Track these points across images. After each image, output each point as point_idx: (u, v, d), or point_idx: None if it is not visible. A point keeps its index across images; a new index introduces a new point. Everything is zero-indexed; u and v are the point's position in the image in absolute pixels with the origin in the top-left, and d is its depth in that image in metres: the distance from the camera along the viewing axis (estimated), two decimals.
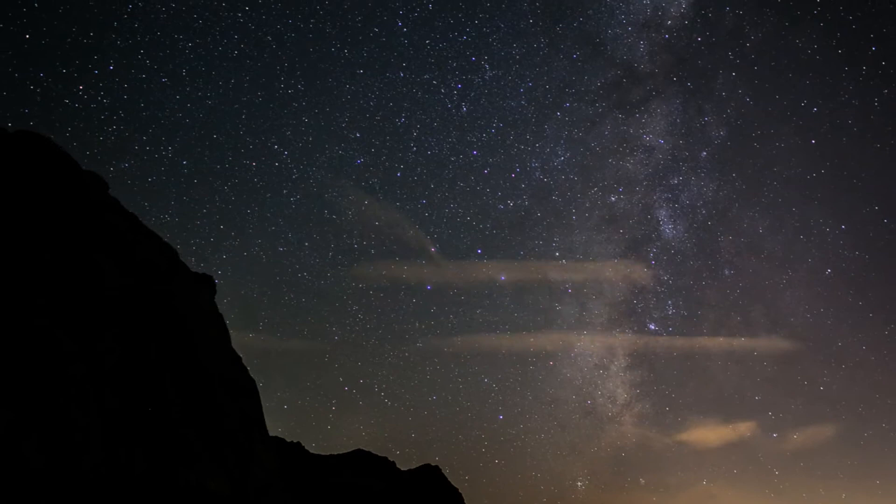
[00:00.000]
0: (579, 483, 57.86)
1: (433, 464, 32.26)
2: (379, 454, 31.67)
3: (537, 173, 59.66)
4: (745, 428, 62.16)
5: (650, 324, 61.12)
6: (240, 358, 19.87)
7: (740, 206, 60.84)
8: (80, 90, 44.36)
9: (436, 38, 55.53)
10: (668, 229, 60.44)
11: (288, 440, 29.02)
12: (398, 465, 31.77)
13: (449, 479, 32.06)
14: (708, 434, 63.43)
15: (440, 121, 57.91)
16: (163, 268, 17.55)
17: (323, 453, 30.58)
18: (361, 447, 31.92)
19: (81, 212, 15.75)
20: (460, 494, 32.05)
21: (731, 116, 58.99)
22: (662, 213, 60.45)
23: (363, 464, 30.23)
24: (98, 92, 45.93)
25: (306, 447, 29.64)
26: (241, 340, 51.26)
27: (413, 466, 32.23)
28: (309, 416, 53.26)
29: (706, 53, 58.56)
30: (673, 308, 61.32)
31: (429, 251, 58.84)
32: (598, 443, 60.39)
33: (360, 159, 57.25)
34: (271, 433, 20.15)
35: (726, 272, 61.11)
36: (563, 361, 60.32)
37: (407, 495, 29.43)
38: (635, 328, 61.00)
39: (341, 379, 55.29)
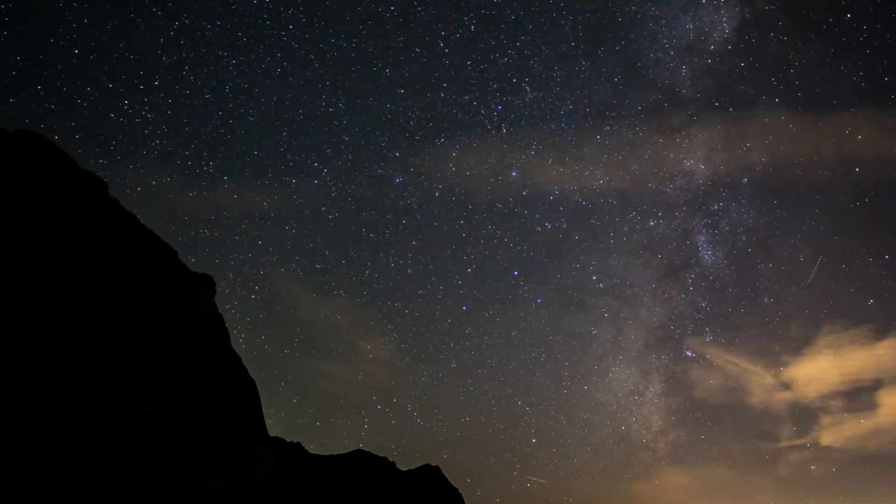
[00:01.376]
0: None
1: (457, 488, 32.00)
2: (379, 454, 31.67)
3: (576, 196, 59.07)
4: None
5: (687, 350, 60.18)
6: (239, 358, 19.84)
7: (781, 233, 59.71)
8: (126, 104, 44.73)
9: (477, 60, 55.39)
10: (706, 255, 59.26)
11: (288, 440, 28.99)
12: (398, 466, 31.76)
13: (449, 480, 32.06)
14: (742, 463, 61.62)
15: (480, 142, 57.34)
16: (162, 268, 17.52)
17: (323, 453, 30.57)
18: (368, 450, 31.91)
19: (81, 211, 15.72)
20: (460, 494, 32.03)
21: (774, 143, 57.82)
22: (701, 239, 59.39)
23: (363, 464, 30.20)
24: (143, 107, 46.34)
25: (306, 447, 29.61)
26: (277, 357, 51.22)
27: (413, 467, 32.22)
28: (341, 433, 53.14)
29: (749, 79, 57.65)
30: (711, 335, 60.32)
31: (465, 272, 58.20)
32: (631, 469, 59.38)
33: (398, 178, 57.06)
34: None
35: (766, 300, 60.07)
36: (598, 386, 59.53)
37: (407, 495, 29.41)
38: (672, 354, 60.03)
39: (374, 398, 55.07)
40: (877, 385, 59.98)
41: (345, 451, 31.31)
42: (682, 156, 58.75)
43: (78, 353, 13.07)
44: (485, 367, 59.25)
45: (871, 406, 60.90)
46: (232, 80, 50.81)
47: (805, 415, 62.90)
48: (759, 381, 62.64)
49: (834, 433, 61.83)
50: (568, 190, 58.50)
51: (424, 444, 54.69)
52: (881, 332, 60.00)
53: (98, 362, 13.51)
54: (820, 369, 61.33)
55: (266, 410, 19.82)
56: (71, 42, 42.20)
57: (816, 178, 58.77)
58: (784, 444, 62.93)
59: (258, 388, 19.68)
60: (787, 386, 62.64)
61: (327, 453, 30.76)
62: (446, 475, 32.22)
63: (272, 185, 53.93)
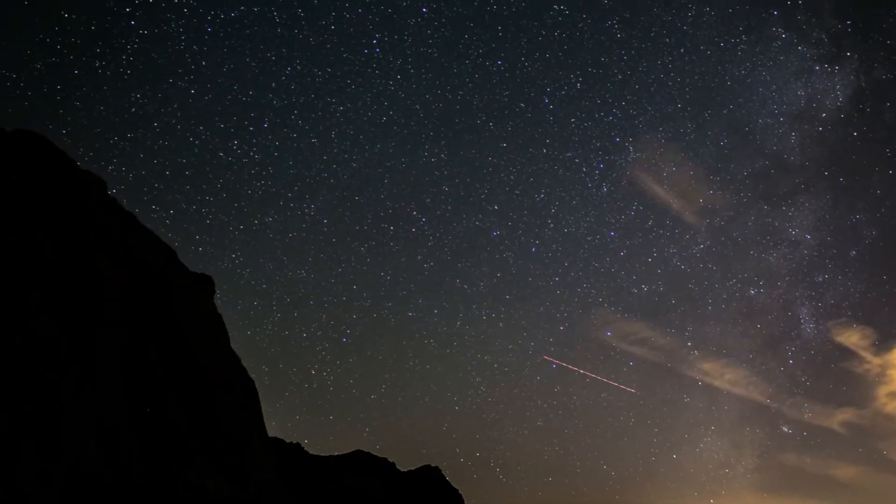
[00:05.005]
0: None
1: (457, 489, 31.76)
2: (379, 455, 31.56)
3: (675, 259, 57.85)
4: None
5: (783, 426, 57.79)
6: (239, 359, 19.75)
7: (890, 309, 57.54)
8: (235, 145, 45.62)
9: (581, 117, 55.03)
10: (808, 328, 57.09)
11: (287, 441, 28.89)
12: (398, 467, 31.65)
13: (449, 480, 31.95)
14: None
15: (579, 199, 56.96)
16: (161, 268, 17.44)
17: (322, 454, 30.45)
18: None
19: (79, 211, 15.64)
20: (460, 495, 31.90)
21: (885, 216, 56.20)
22: (804, 311, 57.27)
23: (363, 465, 30.09)
24: (251, 147, 47.98)
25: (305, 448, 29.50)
26: (364, 401, 51.33)
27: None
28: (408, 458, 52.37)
29: (862, 149, 56.13)
30: (809, 412, 57.65)
31: (557, 329, 57.37)
32: None
33: (496, 231, 56.83)
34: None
35: None
36: (688, 456, 57.63)
37: (407, 496, 29.31)
38: (767, 429, 57.85)
39: (457, 450, 54.18)
40: None
41: (345, 452, 31.24)
42: (787, 224, 57.38)
43: (76, 354, 12.98)
44: (572, 428, 58.05)
45: None
46: (338, 126, 51.42)
47: None
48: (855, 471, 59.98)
49: None
50: (667, 253, 57.46)
51: (506, 501, 53.93)
52: None
53: (96, 363, 13.42)
54: None
55: (266, 411, 19.72)
56: (189, 83, 44.03)
57: None
58: None
59: (258, 389, 19.58)
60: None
61: (326, 454, 30.69)
62: (446, 475, 32.14)
63: (370, 231, 54.21)
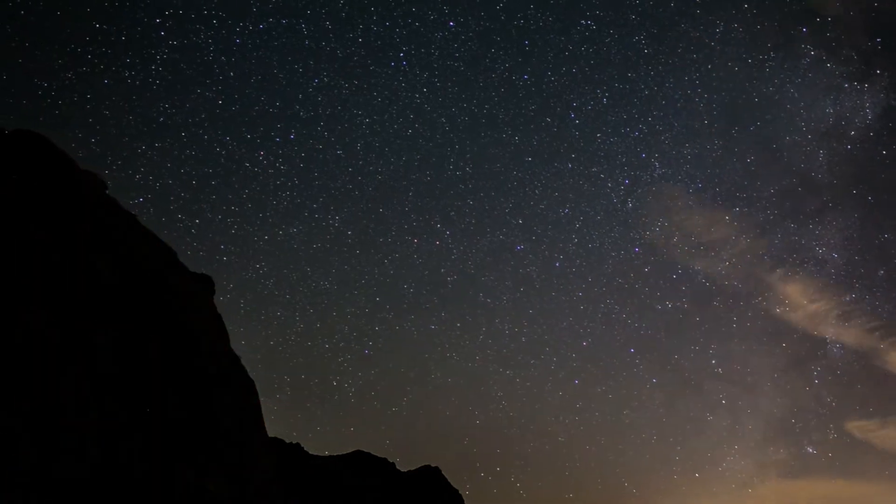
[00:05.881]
0: None
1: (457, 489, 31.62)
2: (379, 455, 31.52)
3: (700, 276, 57.74)
4: None
5: (808, 446, 56.68)
6: (238, 358, 19.71)
7: None
8: (261, 156, 46.20)
9: (607, 132, 55.22)
10: (835, 348, 56.30)
11: (287, 441, 28.86)
12: (398, 467, 31.61)
13: (449, 481, 31.91)
14: None
15: (604, 215, 57.18)
16: (161, 267, 17.39)
17: (321, 454, 30.42)
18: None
19: (78, 211, 15.59)
20: (461, 496, 31.87)
21: None
22: (831, 331, 56.37)
23: (363, 465, 30.05)
24: (277, 158, 49.08)
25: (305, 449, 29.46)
26: (386, 414, 51.74)
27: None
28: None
29: (890, 167, 55.65)
30: (835, 433, 56.73)
31: (580, 345, 57.07)
32: None
33: (520, 246, 57.13)
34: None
35: None
36: (710, 475, 57.08)
37: (407, 497, 29.27)
38: (792, 450, 56.74)
39: (478, 464, 54.01)
40: None
41: (345, 452, 31.20)
42: (814, 242, 56.84)
43: (75, 354, 12.94)
44: (593, 444, 57.89)
45: None
46: (364, 138, 52.22)
47: None
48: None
49: None
50: (692, 270, 57.26)
51: None
52: None
53: (95, 363, 13.38)
54: None
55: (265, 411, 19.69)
56: (216, 93, 44.70)
57: None
58: None
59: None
60: None
61: (326, 454, 30.65)
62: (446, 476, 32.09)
63: (394, 243, 54.59)
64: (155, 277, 16.73)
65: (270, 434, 20.28)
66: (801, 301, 56.77)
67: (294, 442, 29.16)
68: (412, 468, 31.89)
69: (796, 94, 54.27)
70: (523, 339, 57.36)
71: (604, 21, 55.00)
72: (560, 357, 57.77)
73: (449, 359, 56.25)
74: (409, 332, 55.31)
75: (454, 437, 56.60)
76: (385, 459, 31.43)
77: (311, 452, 29.40)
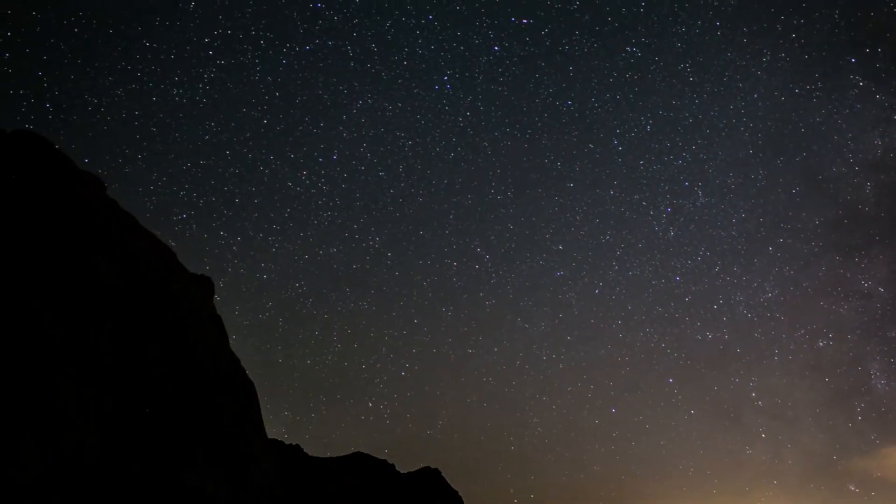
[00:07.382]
0: None
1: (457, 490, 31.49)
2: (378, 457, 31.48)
3: (741, 307, 56.10)
4: None
5: (850, 484, 54.76)
6: (238, 360, 19.71)
7: None
8: (304, 175, 45.93)
9: (650, 160, 54.72)
10: (880, 384, 54.44)
11: (287, 443, 28.83)
12: (398, 468, 31.57)
13: (449, 482, 31.87)
14: None
15: (645, 242, 56.18)
16: (161, 268, 17.40)
17: (321, 456, 30.38)
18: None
19: (79, 211, 15.60)
20: (460, 497, 31.82)
21: None
22: (875, 367, 54.69)
23: (362, 466, 30.02)
24: (319, 178, 49.66)
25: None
26: (421, 437, 51.18)
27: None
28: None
29: None
30: (878, 472, 54.99)
31: (618, 373, 56.23)
32: None
33: (560, 272, 56.26)
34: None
35: None
36: None
37: (407, 497, 29.24)
38: (833, 486, 54.83)
39: (511, 490, 52.89)
40: None
41: (344, 454, 31.16)
42: (859, 276, 55.21)
43: (74, 354, 12.94)
44: (629, 475, 56.38)
45: None
46: (406, 160, 52.38)
47: None
48: None
49: None
50: (733, 301, 55.88)
51: None
52: None
53: (95, 363, 13.38)
54: None
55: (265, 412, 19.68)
56: (261, 112, 45.80)
57: None
58: None
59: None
60: None
61: (326, 455, 30.61)
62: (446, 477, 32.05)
63: (434, 265, 54.34)
64: (155, 278, 16.74)
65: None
66: (844, 335, 55.37)
67: (293, 443, 29.16)
68: (412, 469, 31.87)
69: (844, 125, 53.26)
70: (560, 365, 56.29)
71: (649, 48, 54.52)
72: (598, 385, 57.17)
73: (486, 383, 55.55)
74: (447, 356, 54.88)
75: (488, 463, 55.74)
76: (384, 461, 31.35)
77: (310, 454, 29.39)
